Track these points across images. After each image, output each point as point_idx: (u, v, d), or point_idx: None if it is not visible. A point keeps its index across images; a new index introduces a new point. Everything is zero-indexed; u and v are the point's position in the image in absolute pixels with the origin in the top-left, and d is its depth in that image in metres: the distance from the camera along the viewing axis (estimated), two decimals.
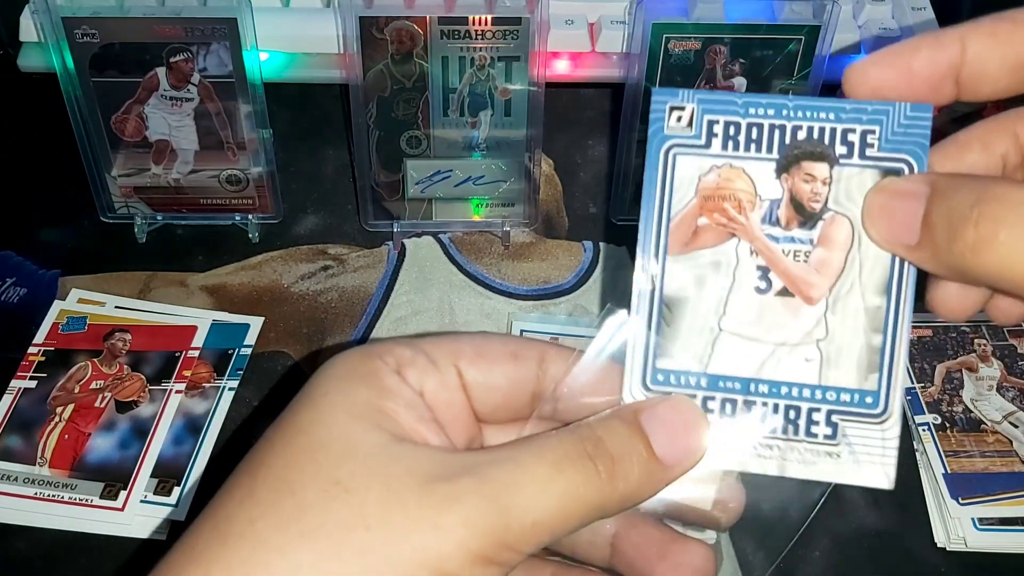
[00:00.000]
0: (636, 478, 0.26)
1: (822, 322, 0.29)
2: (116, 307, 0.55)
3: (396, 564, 0.24)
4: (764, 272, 0.29)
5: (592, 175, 0.63)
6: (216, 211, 0.59)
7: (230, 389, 0.51)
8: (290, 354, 0.54)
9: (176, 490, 0.47)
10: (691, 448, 0.27)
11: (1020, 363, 0.52)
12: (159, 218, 0.59)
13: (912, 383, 0.52)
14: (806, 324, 0.29)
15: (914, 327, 0.54)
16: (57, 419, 0.49)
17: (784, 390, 0.29)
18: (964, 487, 0.47)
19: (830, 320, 0.29)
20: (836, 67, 0.63)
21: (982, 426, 0.50)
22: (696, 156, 0.29)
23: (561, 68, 0.65)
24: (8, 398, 0.50)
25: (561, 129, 0.65)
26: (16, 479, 0.47)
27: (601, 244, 0.60)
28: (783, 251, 0.29)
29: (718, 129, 0.29)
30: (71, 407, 0.50)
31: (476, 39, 0.52)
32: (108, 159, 0.56)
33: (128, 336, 0.53)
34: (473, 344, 0.29)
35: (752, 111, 0.29)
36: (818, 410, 0.29)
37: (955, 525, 0.46)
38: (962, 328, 0.54)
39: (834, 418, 0.29)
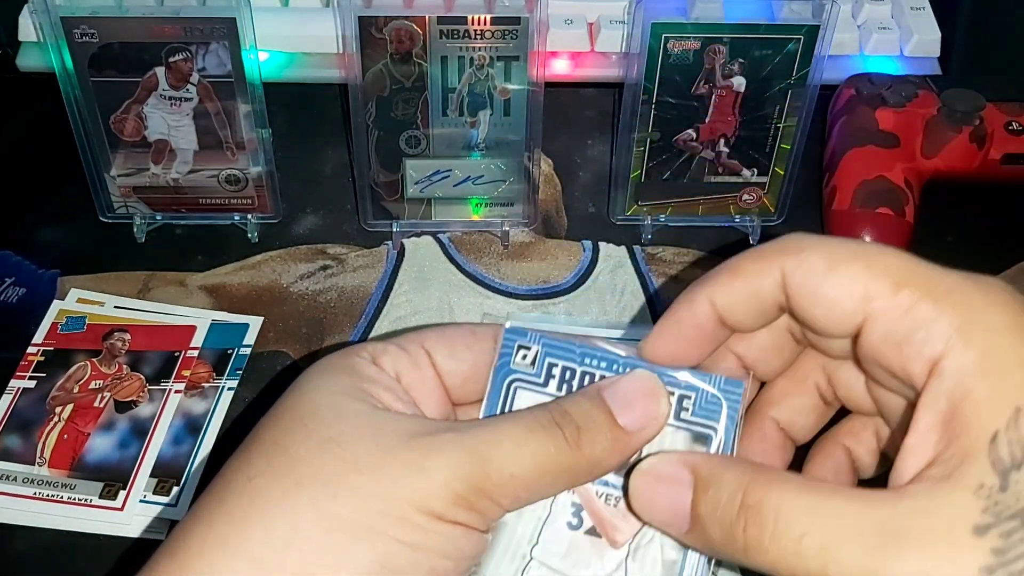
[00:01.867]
0: (602, 445, 0.29)
1: (623, 566, 0.30)
2: (115, 307, 0.55)
3: (386, 501, 0.26)
4: (578, 509, 0.31)
5: (591, 175, 0.63)
6: (215, 211, 0.59)
7: (229, 389, 0.51)
8: (289, 354, 0.54)
9: (175, 490, 0.47)
10: (652, 414, 0.29)
11: None
12: (158, 218, 0.59)
13: None
14: (608, 566, 0.30)
15: None
16: (56, 419, 0.49)
17: None
18: None
19: (630, 566, 0.30)
20: (835, 67, 0.63)
21: None
22: (534, 392, 0.32)
23: (560, 68, 0.65)
24: (7, 398, 0.50)
25: (560, 129, 0.65)
26: (15, 479, 0.47)
27: (600, 244, 0.60)
28: (596, 493, 0.31)
29: (556, 372, 0.32)
30: (70, 407, 0.50)
31: (475, 39, 0.52)
32: (107, 159, 0.56)
33: (127, 336, 0.53)
34: (437, 330, 0.33)
35: (587, 361, 0.32)
36: None
37: None
38: None
39: None
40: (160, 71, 0.53)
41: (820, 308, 0.27)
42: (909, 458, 0.24)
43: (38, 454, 0.48)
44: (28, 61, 0.64)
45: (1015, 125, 0.59)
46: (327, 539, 0.26)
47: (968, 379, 0.24)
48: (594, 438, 0.28)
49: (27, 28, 0.63)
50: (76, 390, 0.51)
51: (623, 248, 0.59)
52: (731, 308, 0.29)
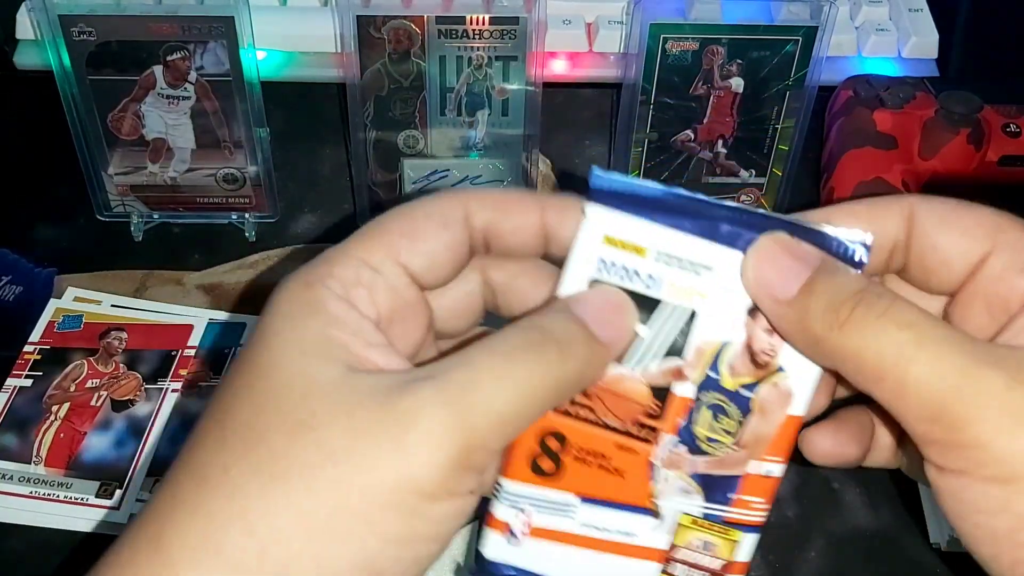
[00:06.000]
0: (583, 358, 0.28)
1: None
2: (112, 305, 0.55)
3: (369, 494, 0.25)
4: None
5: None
6: (213, 210, 0.59)
7: None
8: None
9: None
10: (623, 327, 0.29)
11: None
12: (155, 216, 0.59)
13: None
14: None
15: None
16: (53, 418, 0.49)
17: None
18: None
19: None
20: (833, 69, 0.63)
21: None
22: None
23: (558, 68, 0.65)
24: (3, 396, 0.50)
25: (558, 129, 0.65)
26: (11, 478, 0.47)
27: None
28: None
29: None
30: (67, 406, 0.50)
31: (473, 39, 0.52)
32: (104, 157, 0.56)
33: (124, 335, 0.53)
34: (401, 229, 0.29)
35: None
36: None
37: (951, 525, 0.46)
38: None
39: None
40: (158, 70, 0.53)
41: (951, 236, 0.29)
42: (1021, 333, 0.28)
43: (34, 453, 0.48)
44: (25, 59, 0.63)
45: (1012, 127, 0.59)
46: (308, 543, 0.24)
47: None
48: (576, 353, 0.27)
49: (24, 26, 0.63)
50: (72, 389, 0.51)
51: None
52: None
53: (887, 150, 0.57)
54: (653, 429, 0.29)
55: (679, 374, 0.29)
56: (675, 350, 0.29)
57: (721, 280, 0.28)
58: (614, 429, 0.29)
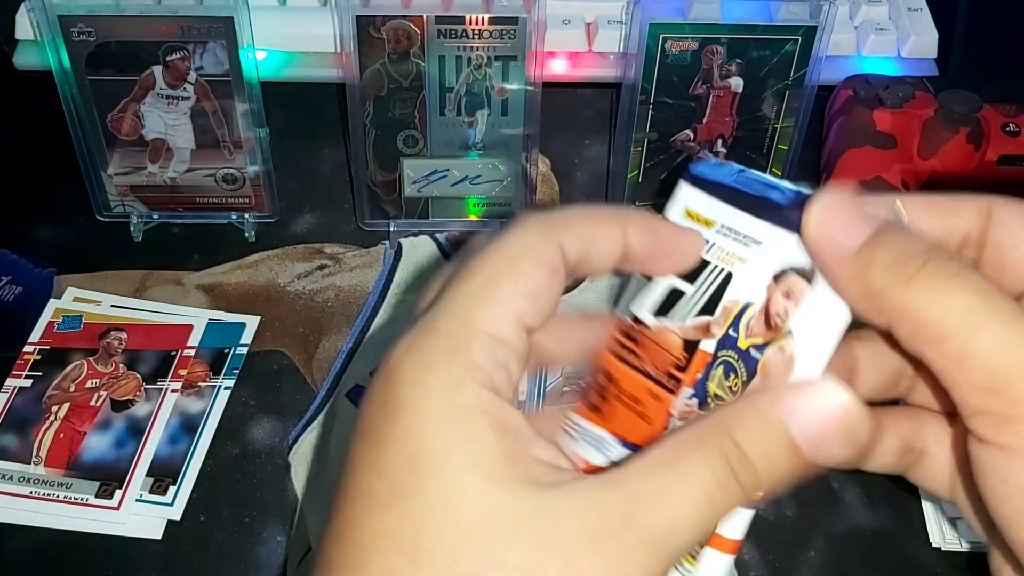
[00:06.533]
0: (780, 476, 0.25)
1: None
2: (112, 306, 0.55)
3: None
4: None
5: (589, 175, 0.63)
6: (212, 210, 0.59)
7: (226, 388, 0.51)
8: (286, 353, 0.54)
9: (172, 489, 0.47)
10: (842, 445, 0.26)
11: None
12: (155, 217, 0.59)
13: None
14: None
15: None
16: (52, 418, 0.49)
17: None
18: None
19: None
20: (832, 68, 0.63)
21: None
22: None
23: (558, 68, 0.65)
24: (3, 397, 0.50)
25: (558, 129, 0.65)
26: (11, 478, 0.47)
27: None
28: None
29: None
30: (66, 406, 0.50)
31: (473, 38, 0.52)
32: (104, 157, 0.56)
33: (124, 335, 0.53)
34: (516, 286, 0.26)
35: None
36: None
37: (950, 525, 0.46)
38: None
39: None
40: (157, 70, 0.53)
41: None
42: None
43: (34, 453, 0.48)
44: (25, 60, 0.63)
45: (1012, 126, 0.59)
46: None
47: None
48: (774, 475, 0.25)
49: (24, 26, 0.63)
50: (72, 389, 0.51)
51: None
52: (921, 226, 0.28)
53: (886, 149, 0.57)
54: (678, 380, 0.29)
55: (707, 330, 0.29)
56: (710, 308, 0.29)
57: (764, 250, 0.29)
58: (651, 377, 0.29)
